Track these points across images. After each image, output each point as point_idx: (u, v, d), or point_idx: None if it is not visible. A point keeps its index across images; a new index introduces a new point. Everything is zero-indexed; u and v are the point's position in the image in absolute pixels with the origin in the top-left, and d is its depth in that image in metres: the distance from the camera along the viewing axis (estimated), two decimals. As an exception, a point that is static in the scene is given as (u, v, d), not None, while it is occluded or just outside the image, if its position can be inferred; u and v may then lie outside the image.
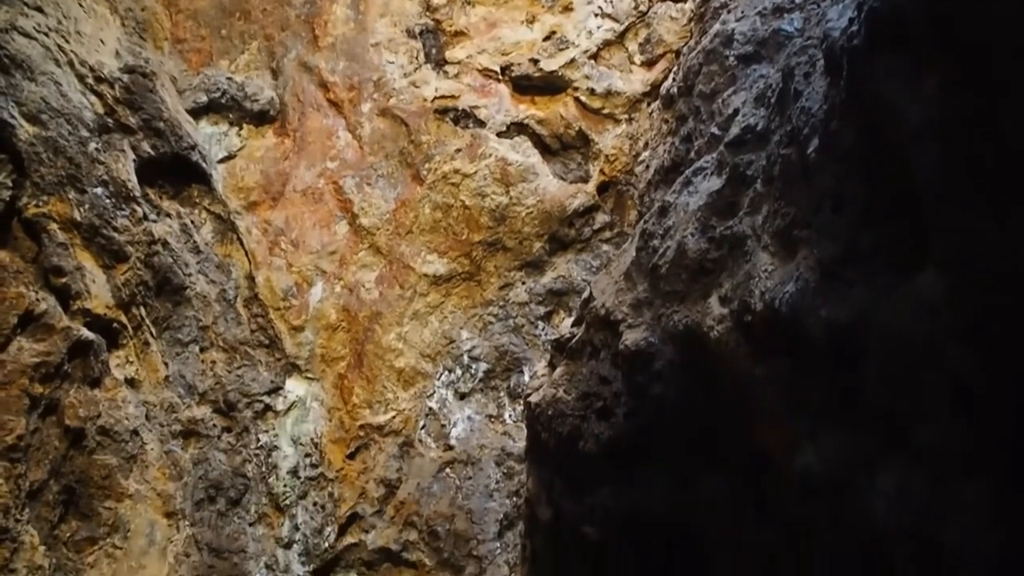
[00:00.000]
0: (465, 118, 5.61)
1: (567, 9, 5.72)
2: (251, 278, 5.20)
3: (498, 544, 4.84)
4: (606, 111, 5.61)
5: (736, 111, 3.12)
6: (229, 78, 5.44)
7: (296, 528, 4.90)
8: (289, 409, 5.10)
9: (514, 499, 4.89)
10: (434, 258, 5.43)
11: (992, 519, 1.71)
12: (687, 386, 2.89)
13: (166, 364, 4.73)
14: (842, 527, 2.27)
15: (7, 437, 3.79)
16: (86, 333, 4.21)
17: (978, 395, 1.69)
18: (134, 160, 4.72)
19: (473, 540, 4.89)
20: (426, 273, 5.40)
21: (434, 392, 5.26)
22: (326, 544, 4.92)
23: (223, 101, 5.41)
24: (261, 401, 5.02)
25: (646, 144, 5.22)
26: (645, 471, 3.21)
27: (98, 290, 4.37)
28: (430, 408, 5.22)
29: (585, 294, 3.63)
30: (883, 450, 1.99)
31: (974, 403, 1.70)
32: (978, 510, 1.73)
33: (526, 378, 5.19)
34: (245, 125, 5.47)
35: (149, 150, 4.82)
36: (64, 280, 4.17)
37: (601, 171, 5.55)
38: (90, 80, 4.54)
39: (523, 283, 5.44)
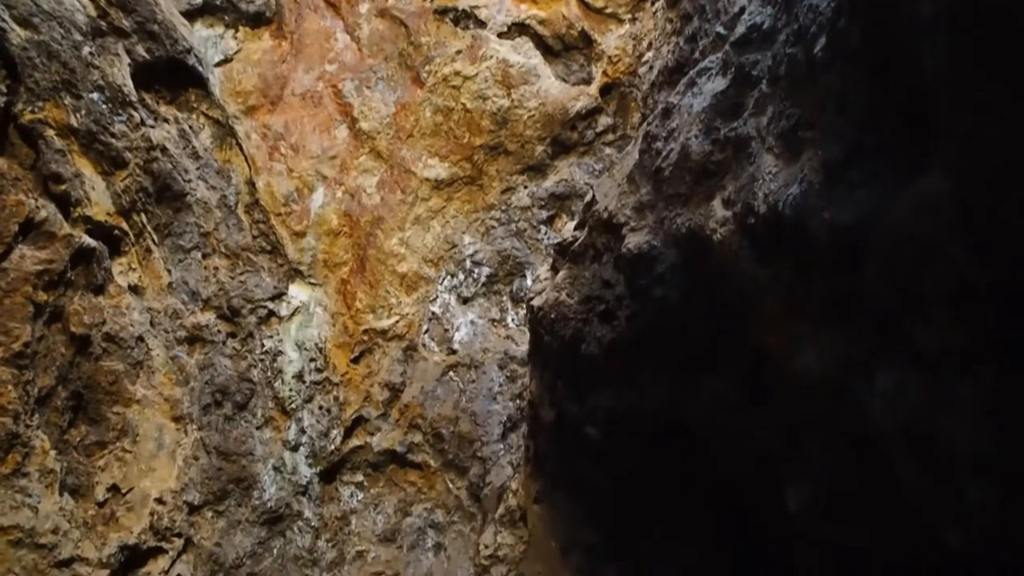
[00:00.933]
0: (465, 19, 5.51)
1: (569, -96, 5.57)
2: (251, 184, 5.17)
3: (502, 446, 4.92)
4: (609, 11, 5.50)
5: (742, 9, 3.05)
6: (223, -22, 5.33)
7: (302, 431, 4.97)
8: (293, 314, 5.12)
9: (517, 402, 4.95)
10: (435, 162, 5.39)
11: (988, 415, 1.73)
12: (689, 289, 2.89)
13: (169, 271, 4.74)
14: (840, 426, 2.30)
15: (13, 344, 3.82)
16: (88, 240, 4.20)
17: (979, 294, 1.69)
18: (129, 64, 4.65)
19: (477, 442, 4.97)
20: (427, 177, 5.37)
21: (437, 297, 5.27)
22: (332, 447, 5.00)
23: (217, 3, 5.30)
24: (265, 307, 5.04)
25: (650, 44, 5.12)
26: (647, 373, 3.24)
27: (98, 197, 4.35)
28: (433, 313, 5.25)
29: (588, 197, 3.62)
30: (882, 350, 2.00)
31: (974, 302, 1.71)
32: (974, 407, 1.75)
33: (528, 282, 5.20)
34: (241, 27, 5.37)
35: (144, 54, 4.74)
36: (63, 187, 4.15)
37: (604, 73, 5.47)
38: (81, -19, 4.45)
39: (525, 187, 5.41)
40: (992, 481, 1.76)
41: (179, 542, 4.35)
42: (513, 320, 5.24)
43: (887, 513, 2.26)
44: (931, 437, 1.87)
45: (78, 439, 4.15)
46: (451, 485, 4.95)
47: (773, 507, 2.77)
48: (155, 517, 4.25)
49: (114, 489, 4.18)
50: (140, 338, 4.42)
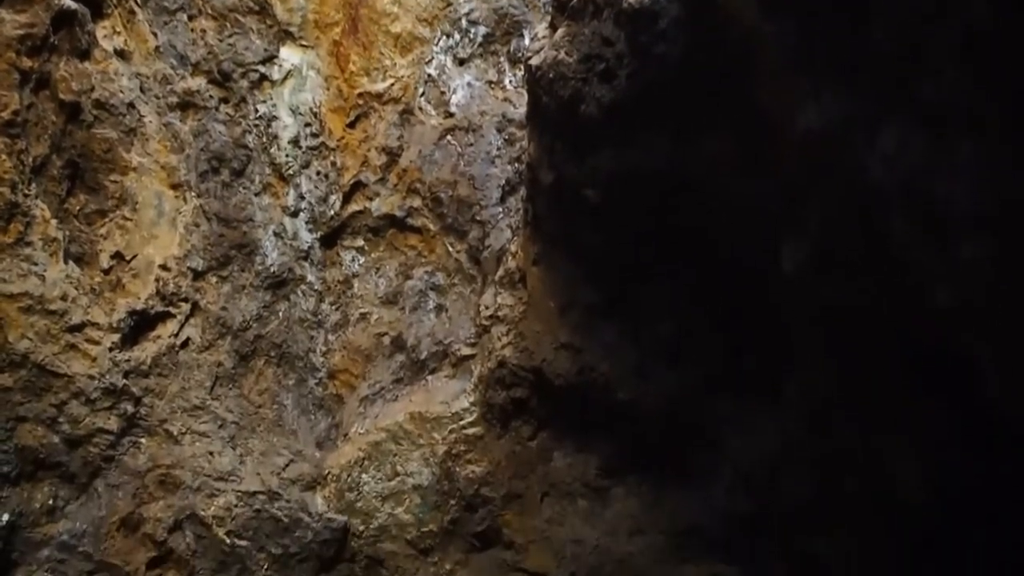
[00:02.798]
0: None
1: None
2: (234, -61, 4.93)
3: (500, 209, 4.93)
4: None
5: None
6: None
7: (301, 197, 4.97)
8: (286, 78, 5.01)
9: (515, 165, 4.92)
10: (426, -87, 5.12)
11: (988, 173, 1.72)
12: (691, 46, 2.82)
13: (155, 34, 4.59)
14: (839, 186, 2.30)
15: (2, 113, 3.76)
16: (68, 2, 4.05)
17: (987, 47, 1.64)
18: None
19: (476, 205, 4.98)
20: (418, -70, 5.12)
21: (432, 58, 5.14)
22: (332, 212, 5.01)
23: None
24: (256, 71, 4.92)
25: None
26: (647, 132, 3.21)
27: (73, -46, 4.17)
28: (429, 75, 5.13)
29: (587, -51, 3.46)
30: (886, 107, 1.97)
31: (982, 55, 1.66)
32: (975, 164, 1.74)
33: (526, 41, 5.06)
34: None
35: None
36: (35, -56, 3.96)
37: None
38: None
39: (522, -61, 5.17)
40: (986, 239, 1.77)
41: (186, 307, 4.45)
42: (511, 82, 5.13)
43: (880, 272, 2.29)
44: (929, 195, 1.87)
45: (78, 208, 4.16)
46: (451, 248, 5.01)
47: (770, 267, 2.81)
48: (161, 283, 4.33)
49: (118, 256, 4.24)
50: (131, 105, 4.35)
